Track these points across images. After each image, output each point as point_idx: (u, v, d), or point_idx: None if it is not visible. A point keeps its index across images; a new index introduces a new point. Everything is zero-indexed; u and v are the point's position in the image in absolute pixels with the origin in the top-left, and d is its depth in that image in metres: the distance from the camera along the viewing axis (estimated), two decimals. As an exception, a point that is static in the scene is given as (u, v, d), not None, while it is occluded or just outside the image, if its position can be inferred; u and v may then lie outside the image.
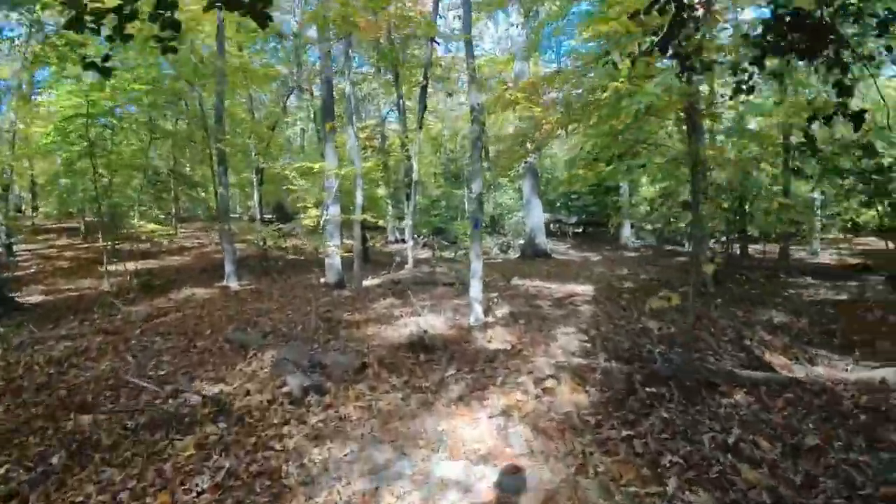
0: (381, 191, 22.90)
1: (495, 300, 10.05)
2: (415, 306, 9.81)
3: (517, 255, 19.62)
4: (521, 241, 20.85)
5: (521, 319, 8.36)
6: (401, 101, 19.95)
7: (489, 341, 7.18)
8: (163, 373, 6.48)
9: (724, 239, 20.97)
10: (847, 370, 6.48)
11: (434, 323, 8.48)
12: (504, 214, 22.66)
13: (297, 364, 6.01)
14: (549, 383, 5.48)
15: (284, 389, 5.56)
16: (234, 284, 13.43)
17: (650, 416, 4.67)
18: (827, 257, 16.44)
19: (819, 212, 15.92)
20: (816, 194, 15.12)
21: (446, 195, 26.81)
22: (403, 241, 25.59)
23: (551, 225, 31.84)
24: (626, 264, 16.27)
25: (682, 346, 6.61)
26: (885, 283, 10.60)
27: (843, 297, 9.37)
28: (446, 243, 22.19)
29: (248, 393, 5.58)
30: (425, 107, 17.02)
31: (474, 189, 8.42)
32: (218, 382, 6.01)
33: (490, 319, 8.49)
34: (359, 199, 13.04)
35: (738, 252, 16.35)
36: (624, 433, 4.39)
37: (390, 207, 29.23)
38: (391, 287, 12.95)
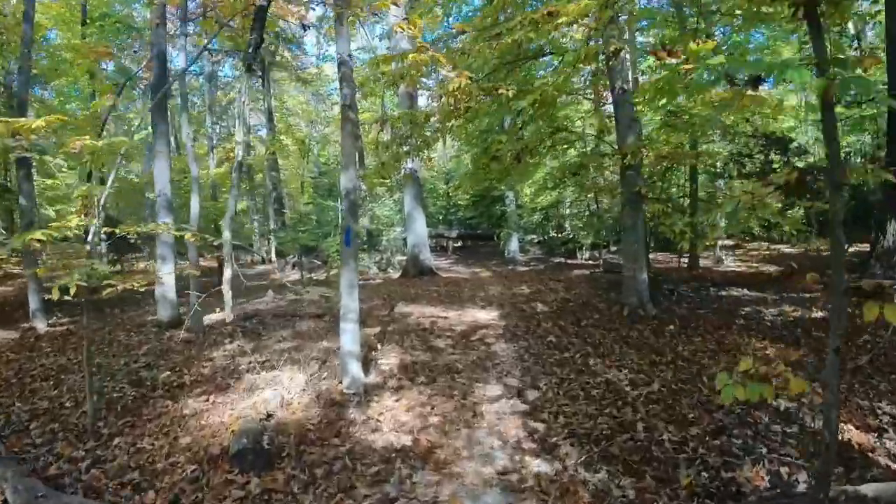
0: (241, 204, 19.36)
1: (378, 343, 7.31)
2: (269, 355, 6.86)
3: (398, 274, 16.95)
4: (402, 258, 18.24)
5: (419, 377, 5.74)
6: (269, 101, 16.71)
7: (375, 430, 4.45)
8: None
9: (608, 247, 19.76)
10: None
11: (291, 388, 5.62)
12: (382, 229, 19.90)
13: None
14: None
15: None
16: (41, 326, 10.01)
17: None
18: (732, 264, 15.33)
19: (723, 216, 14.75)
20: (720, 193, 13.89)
21: (319, 209, 23.66)
22: (272, 261, 22.12)
23: (431, 240, 29.62)
24: (523, 280, 14.15)
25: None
26: (841, 293, 9.08)
27: (816, 314, 7.63)
28: (318, 262, 19.06)
29: None
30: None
31: (343, 183, 5.66)
32: None
33: (373, 379, 5.78)
34: (194, 209, 9.84)
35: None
36: None
37: (256, 224, 25.52)
38: (243, 323, 9.84)
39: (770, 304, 8.49)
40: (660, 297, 8.90)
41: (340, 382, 5.50)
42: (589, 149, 19.61)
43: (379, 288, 14.08)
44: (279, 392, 5.55)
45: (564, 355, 6.48)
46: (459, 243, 29.30)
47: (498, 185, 19.54)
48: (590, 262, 19.79)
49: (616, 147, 8.75)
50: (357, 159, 5.77)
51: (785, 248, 18.73)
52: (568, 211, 21.20)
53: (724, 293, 9.81)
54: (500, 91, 6.18)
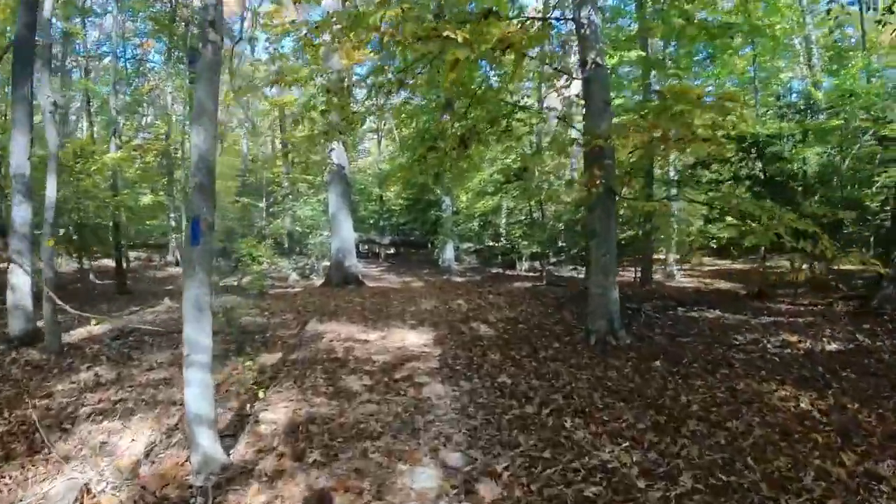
0: (147, 198, 16.57)
1: (266, 384, 5.19)
2: (129, 391, 4.74)
3: (322, 282, 14.67)
4: (328, 264, 15.97)
5: (312, 450, 3.74)
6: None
7: None
8: None
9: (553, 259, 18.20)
10: None
11: (124, 457, 3.45)
12: (306, 231, 17.49)
13: None
14: None
15: None
16: None
17: None
18: (684, 279, 13.97)
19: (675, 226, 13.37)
20: (676, 205, 12.44)
21: (240, 209, 21.00)
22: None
23: (361, 246, 27.34)
24: (459, 293, 12.28)
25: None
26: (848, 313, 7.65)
27: (830, 345, 6.04)
28: (232, 265, 16.50)
29: None
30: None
31: (195, 140, 3.52)
32: None
33: (241, 453, 3.72)
34: (50, 194, 7.43)
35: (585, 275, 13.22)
36: None
37: (173, 221, 22.46)
38: (113, 342, 7.54)
39: (763, 330, 6.92)
40: (624, 320, 7.15)
41: (193, 468, 3.36)
42: (535, 146, 18.20)
43: (295, 299, 11.84)
44: (83, 481, 3.35)
45: (526, 409, 4.57)
46: (392, 250, 27.22)
47: (433, 186, 17.66)
48: (530, 273, 18.17)
49: (582, 135, 6.97)
50: (217, 109, 3.61)
51: (729, 264, 17.77)
52: (504, 220, 19.53)
53: (695, 314, 8.23)
54: (445, 34, 4.21)
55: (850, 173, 12.89)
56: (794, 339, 6.38)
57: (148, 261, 23.93)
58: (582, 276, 15.80)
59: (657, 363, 5.75)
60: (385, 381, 5.49)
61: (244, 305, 11.12)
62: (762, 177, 9.25)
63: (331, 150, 13.76)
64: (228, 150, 27.68)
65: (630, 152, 6.65)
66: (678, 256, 14.27)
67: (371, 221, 28.36)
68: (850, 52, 15.48)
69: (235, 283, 13.47)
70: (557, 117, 10.30)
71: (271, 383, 5.50)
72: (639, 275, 12.81)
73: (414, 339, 7.48)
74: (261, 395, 5.01)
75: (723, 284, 12.81)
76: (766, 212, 6.07)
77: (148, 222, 19.97)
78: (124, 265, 16.18)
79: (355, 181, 26.99)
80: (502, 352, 6.58)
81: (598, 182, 6.38)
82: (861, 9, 15.30)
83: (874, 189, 12.25)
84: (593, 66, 6.48)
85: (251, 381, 5.50)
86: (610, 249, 6.73)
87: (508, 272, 18.39)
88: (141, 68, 22.54)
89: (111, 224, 14.50)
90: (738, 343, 6.39)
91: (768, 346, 6.20)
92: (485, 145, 8.16)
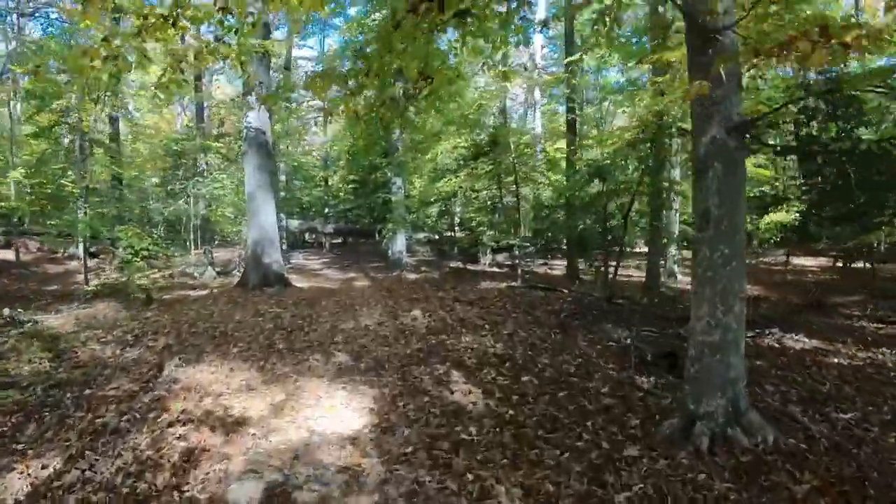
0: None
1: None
2: None
3: (238, 282, 10.94)
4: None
5: None
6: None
7: None
8: None
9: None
10: None
11: None
12: (227, 217, 13.59)
13: None
14: None
15: None
16: None
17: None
18: (686, 279, 10.96)
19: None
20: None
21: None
22: (92, 254, 14.87)
23: (307, 235, 23.45)
24: (415, 298, 8.93)
25: None
26: None
27: None
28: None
29: None
30: None
31: None
32: None
33: None
34: None
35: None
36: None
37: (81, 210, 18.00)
38: None
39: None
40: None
41: None
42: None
43: (184, 311, 8.17)
44: None
45: None
46: (339, 240, 23.48)
47: (383, 164, 14.14)
48: (496, 268, 14.90)
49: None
50: None
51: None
52: (459, 208, 16.08)
53: (770, 339, 5.14)
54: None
55: None
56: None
57: (51, 252, 19.36)
58: (558, 271, 12.76)
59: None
60: None
61: (102, 324, 7.40)
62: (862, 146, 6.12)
63: (248, 110, 10.05)
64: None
65: (753, 64, 3.34)
66: (676, 252, 11.10)
67: (315, 209, 24.51)
68: None
69: (118, 280, 9.61)
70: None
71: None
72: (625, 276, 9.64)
73: (336, 418, 4.03)
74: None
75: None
76: None
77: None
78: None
79: (298, 165, 23.00)
80: (514, 464, 3.24)
81: (711, 101, 3.06)
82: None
83: None
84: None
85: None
86: (735, 248, 3.33)
87: (470, 266, 15.06)
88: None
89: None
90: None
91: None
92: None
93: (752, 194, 11.80)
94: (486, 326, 6.62)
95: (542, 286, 10.12)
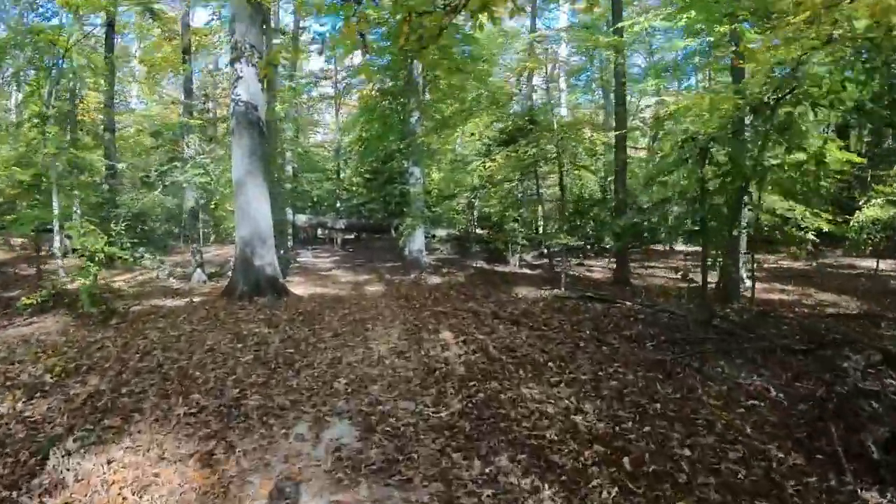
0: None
1: None
2: None
3: (224, 290, 8.90)
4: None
5: None
6: None
7: None
8: None
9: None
10: None
11: None
12: (218, 206, 11.52)
13: None
14: None
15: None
16: None
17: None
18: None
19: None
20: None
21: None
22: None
23: (319, 231, 21.39)
24: (442, 311, 6.98)
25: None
26: None
27: None
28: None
29: None
30: None
31: None
32: None
33: None
34: None
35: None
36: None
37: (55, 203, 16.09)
38: None
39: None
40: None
41: None
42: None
43: (146, 330, 6.18)
44: None
45: None
46: (353, 236, 21.44)
47: (401, 155, 12.09)
48: (525, 269, 12.79)
49: None
50: None
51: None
52: (477, 201, 13.79)
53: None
54: None
55: None
56: None
57: (36, 250, 17.47)
58: (597, 273, 10.49)
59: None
60: None
61: (27, 353, 5.39)
62: None
63: (237, 79, 8.01)
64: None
65: None
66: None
67: (327, 203, 22.47)
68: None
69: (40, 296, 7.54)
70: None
71: None
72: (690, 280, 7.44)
73: None
74: None
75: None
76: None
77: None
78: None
79: (306, 157, 20.85)
80: None
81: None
82: None
83: None
84: None
85: None
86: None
87: (498, 267, 12.95)
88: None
89: None
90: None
91: None
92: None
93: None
94: (551, 364, 4.53)
95: (595, 296, 8.00)
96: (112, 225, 8.71)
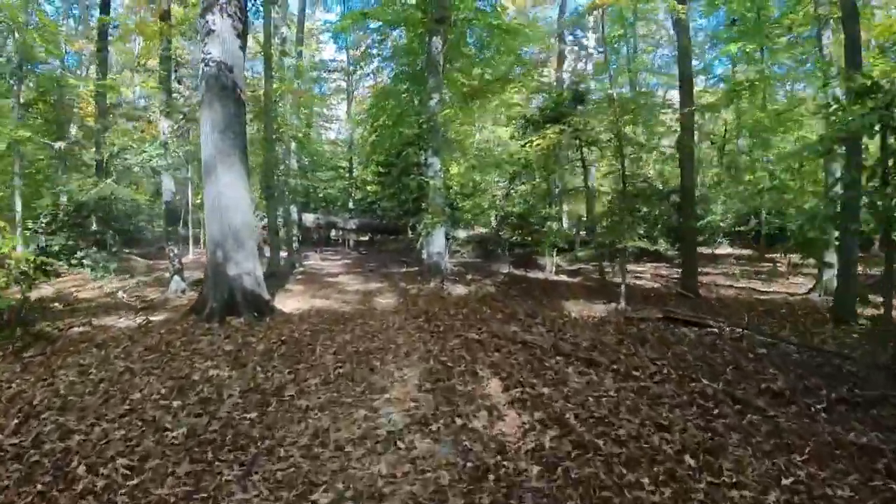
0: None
1: None
2: None
3: (192, 306, 6.92)
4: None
5: None
6: None
7: None
8: None
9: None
10: None
11: None
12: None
13: None
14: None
15: None
16: None
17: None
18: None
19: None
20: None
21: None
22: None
23: (333, 232, 19.42)
24: (475, 337, 4.92)
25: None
26: None
27: None
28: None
29: None
30: None
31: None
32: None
33: None
34: None
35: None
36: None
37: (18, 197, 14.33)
38: None
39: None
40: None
41: None
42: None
43: (62, 370, 4.19)
44: None
45: None
46: (366, 237, 19.48)
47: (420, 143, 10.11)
48: (563, 276, 10.69)
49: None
50: None
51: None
52: (528, 198, 11.61)
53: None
54: None
55: None
56: None
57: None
58: (644, 281, 8.15)
59: None
60: None
61: None
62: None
63: (207, 33, 6.06)
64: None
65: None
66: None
67: (340, 202, 20.53)
68: None
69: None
70: None
71: None
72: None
73: None
74: None
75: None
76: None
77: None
78: None
79: (315, 153, 18.62)
80: None
81: None
82: None
83: None
84: None
85: None
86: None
87: (530, 273, 10.87)
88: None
89: None
90: None
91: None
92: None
93: None
94: (689, 460, 2.49)
95: (680, 317, 5.90)
96: (31, 222, 6.78)
